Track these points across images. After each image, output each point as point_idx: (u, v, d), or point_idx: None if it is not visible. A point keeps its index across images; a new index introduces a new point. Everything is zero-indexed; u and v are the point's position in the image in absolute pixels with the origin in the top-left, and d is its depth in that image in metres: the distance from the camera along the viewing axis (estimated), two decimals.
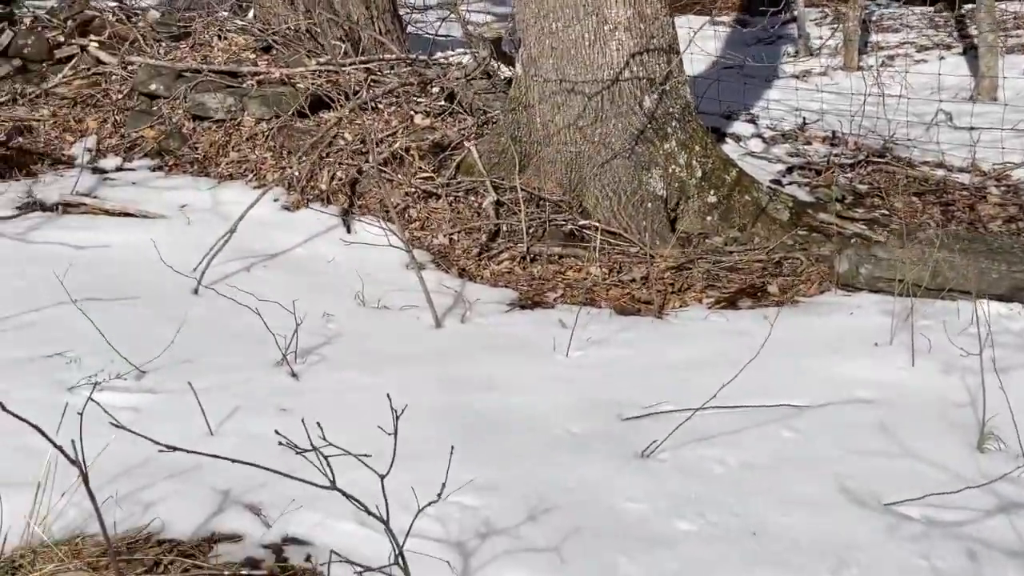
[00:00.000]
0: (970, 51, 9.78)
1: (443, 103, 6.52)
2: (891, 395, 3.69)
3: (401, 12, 8.72)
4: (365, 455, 2.14)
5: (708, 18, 7.98)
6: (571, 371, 4.01)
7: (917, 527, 2.90)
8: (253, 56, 7.21)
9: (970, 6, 9.40)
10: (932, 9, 11.46)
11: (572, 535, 2.87)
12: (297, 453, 2.07)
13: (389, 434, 2.18)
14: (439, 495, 2.34)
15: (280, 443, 2.13)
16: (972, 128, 7.25)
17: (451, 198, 5.70)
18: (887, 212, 5.87)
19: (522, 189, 5.53)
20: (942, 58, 9.82)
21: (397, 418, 2.14)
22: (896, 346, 4.01)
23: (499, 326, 4.52)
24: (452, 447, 2.68)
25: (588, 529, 2.90)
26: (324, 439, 2.07)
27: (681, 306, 4.79)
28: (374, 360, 4.03)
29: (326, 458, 2.12)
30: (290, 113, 6.18)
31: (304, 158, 5.81)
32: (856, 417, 3.55)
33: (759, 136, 7.22)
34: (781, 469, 3.23)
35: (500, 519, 2.93)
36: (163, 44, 7.37)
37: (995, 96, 8.45)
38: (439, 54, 8.22)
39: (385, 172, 5.80)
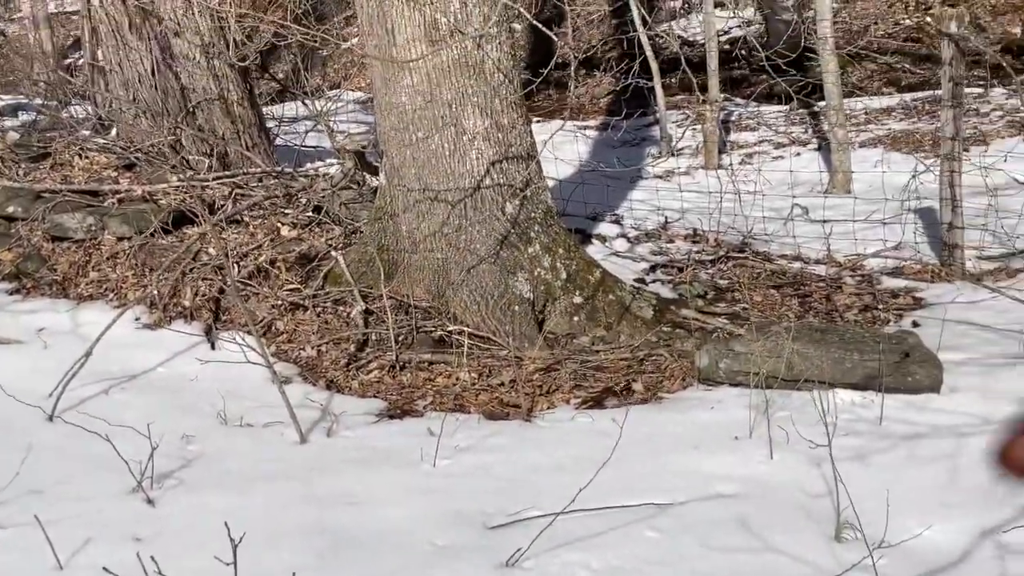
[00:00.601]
0: (824, 147, 10.23)
1: (310, 214, 6.53)
2: (751, 489, 3.75)
3: (269, 125, 8.75)
4: None
5: (567, 122, 8.18)
6: (438, 481, 3.98)
7: None
8: (115, 174, 7.14)
9: (823, 103, 9.85)
10: (787, 108, 11.98)
11: None
12: None
13: (228, 564, 2.12)
14: None
15: None
16: (826, 221, 7.54)
17: (319, 309, 5.68)
18: (747, 306, 6.04)
19: (390, 297, 5.54)
20: (797, 154, 10.25)
21: (235, 546, 2.09)
22: (755, 439, 4.09)
23: (366, 438, 4.47)
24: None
25: None
26: (159, 572, 2.01)
27: (549, 408, 4.82)
28: (235, 480, 3.94)
29: None
30: (152, 230, 6.11)
31: (165, 275, 5.73)
32: (717, 513, 3.59)
33: (623, 236, 7.39)
34: (644, 571, 3.24)
35: None
36: (22, 166, 7.25)
37: (848, 189, 8.83)
38: (309, 165, 8.26)
39: (250, 285, 5.75)
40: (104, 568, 2.08)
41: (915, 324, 5.60)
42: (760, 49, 10.45)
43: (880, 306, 6.09)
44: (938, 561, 3.17)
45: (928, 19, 13.33)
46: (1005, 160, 7.64)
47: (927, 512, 3.42)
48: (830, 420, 4.04)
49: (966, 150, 7.29)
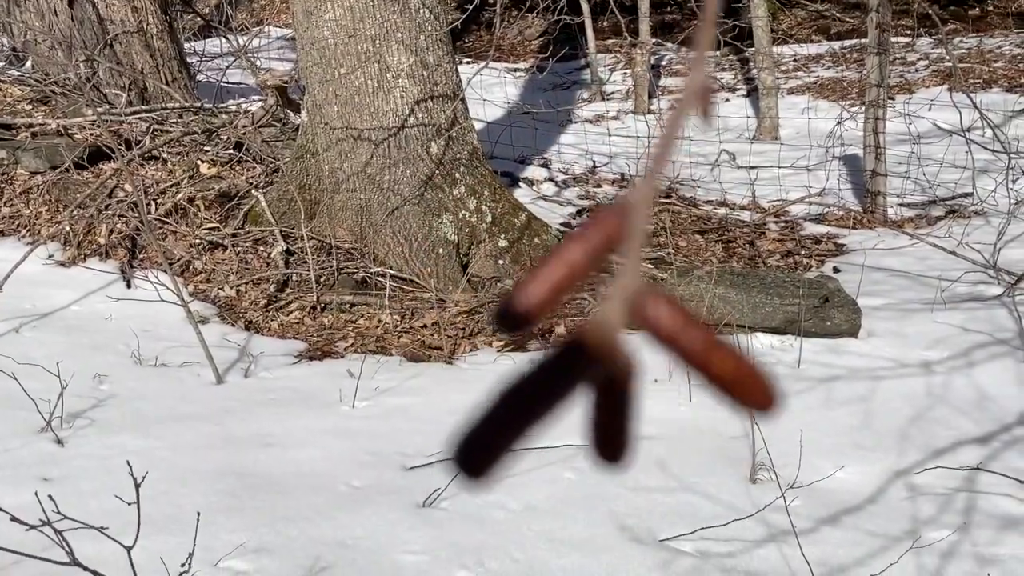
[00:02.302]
0: (753, 93, 10.25)
1: (231, 152, 6.38)
2: (669, 431, 3.77)
3: (190, 60, 8.52)
4: (104, 527, 2.02)
5: (493, 62, 8.07)
6: (356, 422, 3.94)
7: (690, 561, 2.94)
8: (29, 107, 6.91)
9: (752, 49, 9.86)
10: (718, 53, 11.97)
11: None
12: (27, 530, 1.93)
13: (131, 503, 2.06)
14: (185, 563, 2.22)
15: (40, 519, 1.99)
16: (752, 167, 7.57)
17: (238, 249, 5.57)
18: (672, 251, 6.04)
19: (312, 237, 5.45)
20: (727, 100, 10.26)
21: (138, 485, 2.03)
22: (674, 382, 4.10)
23: (284, 379, 4.41)
24: (204, 509, 2.55)
25: None
26: (58, 512, 1.94)
27: (471, 350, 4.79)
28: (149, 421, 3.86)
29: (60, 533, 1.99)
30: (66, 166, 5.92)
31: (80, 211, 5.57)
32: (636, 454, 3.59)
33: (551, 180, 7.35)
34: (562, 511, 3.24)
35: None
36: None
37: (775, 136, 8.86)
38: (230, 102, 8.06)
39: (168, 223, 5.62)
40: (1, 509, 2.01)
41: (836, 270, 5.65)
42: None
43: (802, 252, 6.14)
44: (851, 501, 3.21)
45: None
46: (929, 108, 7.72)
47: (841, 454, 3.46)
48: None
49: (891, 98, 7.35)
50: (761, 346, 4.43)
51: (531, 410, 0.41)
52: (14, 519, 2.00)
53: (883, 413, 3.75)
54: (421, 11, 5.33)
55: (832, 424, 3.70)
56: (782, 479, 3.38)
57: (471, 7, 5.76)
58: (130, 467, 2.12)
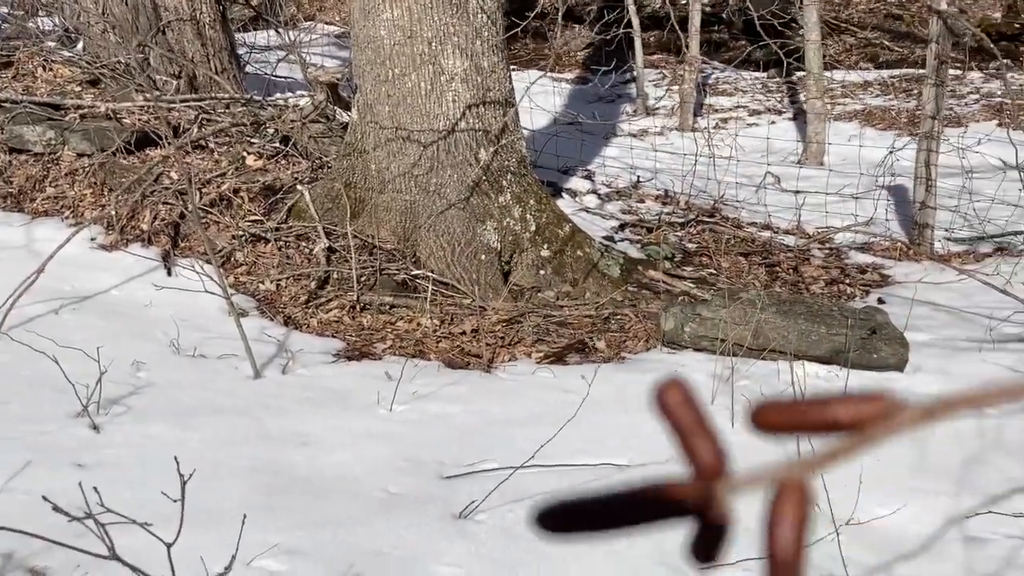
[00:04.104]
0: (799, 117, 10.17)
1: (277, 145, 6.36)
2: None
3: (240, 51, 8.53)
4: (147, 523, 1.98)
5: (545, 73, 8.03)
6: (394, 426, 3.90)
7: None
8: (79, 89, 6.92)
9: (801, 73, 9.78)
10: (765, 75, 11.89)
11: None
12: (69, 521, 1.90)
13: (175, 501, 2.02)
14: (228, 565, 2.18)
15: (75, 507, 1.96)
16: (798, 192, 7.49)
17: (280, 243, 5.54)
18: (714, 271, 5.98)
19: (355, 236, 5.42)
20: (773, 122, 10.19)
21: (184, 482, 1.99)
22: (717, 406, 4.04)
23: (322, 378, 4.38)
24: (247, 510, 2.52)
25: None
26: (101, 504, 1.91)
27: (510, 360, 4.74)
28: (184, 412, 3.83)
29: (102, 525, 1.95)
30: (113, 149, 5.92)
31: (125, 196, 5.56)
32: (675, 476, 3.53)
33: (594, 192, 7.30)
34: (601, 550, 3.17)
35: None
36: None
37: (821, 161, 8.78)
38: (278, 96, 8.06)
39: (211, 213, 5.60)
40: (43, 497, 1.98)
41: (881, 301, 5.57)
42: (744, 12, 10.33)
43: (847, 280, 6.06)
44: (903, 543, 3.14)
45: None
46: (980, 143, 7.61)
47: (894, 494, 3.39)
48: (796, 392, 3.99)
49: (942, 131, 7.25)
50: (806, 375, 4.35)
51: (616, 518, 0.46)
52: (56, 509, 1.97)
53: (933, 454, 3.68)
54: (479, 16, 5.30)
55: (884, 463, 3.62)
56: (830, 516, 3.31)
57: (531, 15, 5.70)
58: (177, 463, 2.08)
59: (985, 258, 6.42)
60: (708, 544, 0.47)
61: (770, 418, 0.47)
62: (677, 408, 0.48)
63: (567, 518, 0.46)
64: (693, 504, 0.46)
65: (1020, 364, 4.49)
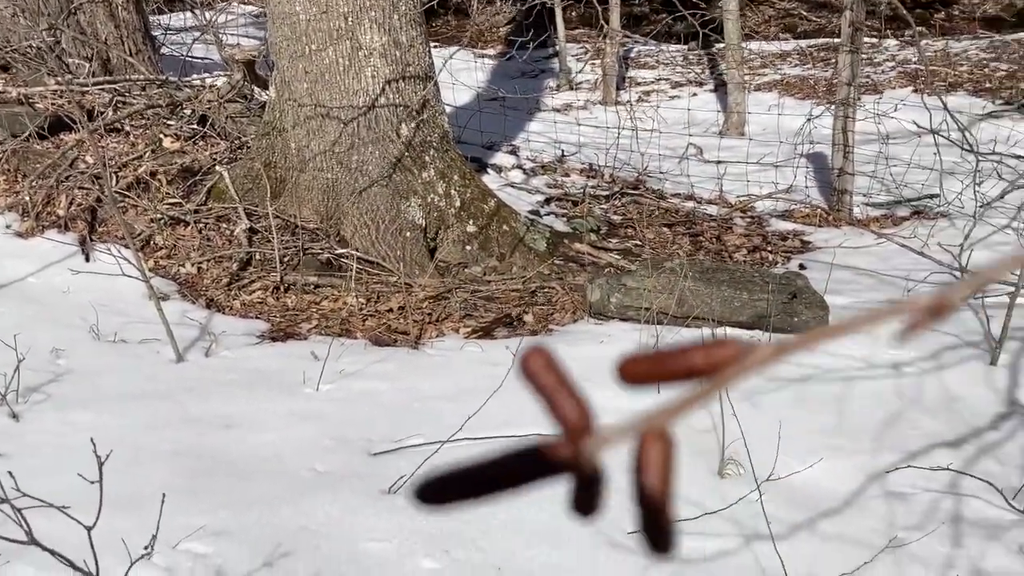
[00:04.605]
0: (720, 88, 10.25)
1: (195, 126, 6.26)
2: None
3: (155, 33, 8.35)
4: (65, 507, 1.94)
5: (466, 49, 7.99)
6: (320, 405, 3.86)
7: None
8: None
9: (721, 45, 9.85)
10: (686, 47, 11.96)
11: None
12: None
13: (93, 482, 1.98)
14: (149, 546, 2.14)
15: None
16: (720, 162, 7.56)
17: (200, 225, 5.46)
18: (640, 243, 6.01)
19: (276, 216, 5.35)
20: (694, 94, 10.26)
21: (101, 464, 1.95)
22: None
23: (246, 360, 4.32)
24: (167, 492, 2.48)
25: (328, 573, 2.76)
26: (17, 489, 1.87)
27: (438, 336, 4.73)
28: (105, 398, 3.76)
29: (19, 511, 1.91)
30: (27, 135, 5.77)
31: (39, 182, 5.43)
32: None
33: (519, 167, 7.29)
34: (529, 502, 3.19)
35: (234, 567, 2.75)
36: None
37: (742, 131, 8.86)
38: (194, 76, 7.92)
39: (129, 197, 5.49)
40: None
41: (802, 267, 5.65)
42: None
43: (769, 247, 6.14)
44: (825, 500, 3.20)
45: None
46: (896, 109, 7.73)
47: (813, 452, 3.44)
48: None
49: (859, 98, 7.35)
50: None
51: (494, 484, 0.47)
52: None
53: (854, 412, 3.74)
54: None
55: (803, 422, 3.68)
56: (750, 474, 3.36)
57: None
58: (94, 444, 2.04)
59: (902, 222, 6.54)
60: (586, 498, 0.48)
61: (635, 370, 0.48)
62: (541, 372, 0.48)
63: (447, 489, 0.47)
64: (565, 462, 0.47)
65: (936, 324, 4.58)
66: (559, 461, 0.47)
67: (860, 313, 0.49)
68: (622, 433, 0.47)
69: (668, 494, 0.47)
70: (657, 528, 0.48)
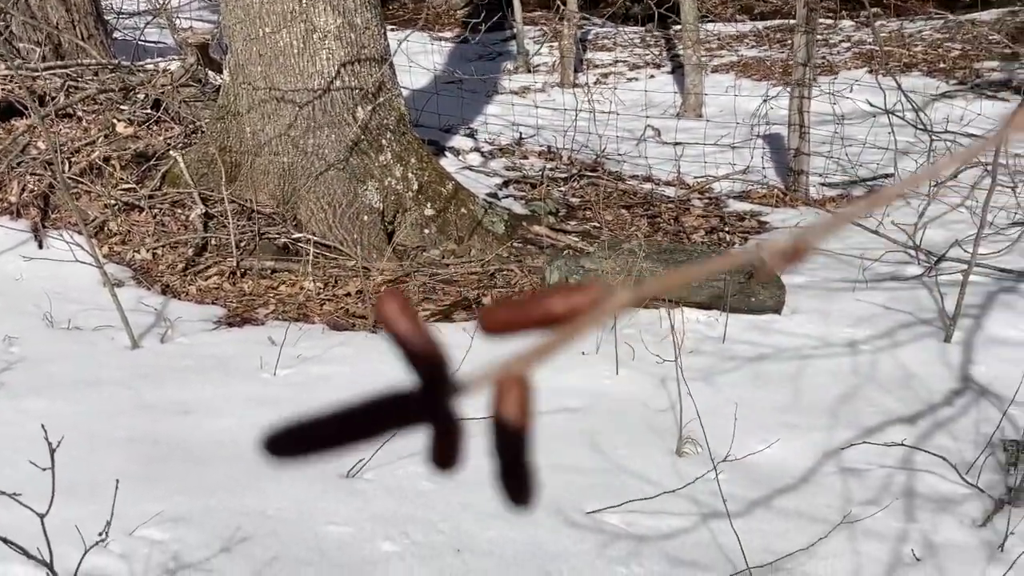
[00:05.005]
0: (677, 70, 10.27)
1: (148, 111, 6.19)
2: (597, 403, 3.74)
3: (107, 16, 8.25)
4: (16, 494, 1.92)
5: (421, 31, 7.96)
6: (278, 390, 3.85)
7: (618, 534, 2.92)
8: None
9: (678, 27, 9.86)
10: (643, 29, 11.98)
11: (269, 565, 2.71)
12: None
13: (45, 469, 1.96)
14: (104, 532, 2.12)
15: None
16: (677, 143, 7.58)
17: (155, 211, 5.40)
18: (598, 224, 6.02)
19: (232, 201, 5.31)
20: (652, 76, 10.27)
21: (53, 450, 1.93)
22: (602, 355, 4.08)
23: (203, 345, 4.29)
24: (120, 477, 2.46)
25: (287, 557, 2.75)
26: None
27: None
28: (60, 385, 3.72)
29: None
30: None
31: None
32: (564, 426, 3.57)
33: (477, 150, 7.28)
34: (487, 483, 3.18)
35: (191, 553, 2.74)
36: None
37: (699, 113, 8.89)
38: (148, 61, 7.83)
39: (82, 183, 5.43)
40: None
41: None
42: None
43: (726, 228, 6.17)
44: (782, 477, 3.22)
45: None
46: (851, 89, 7.79)
47: (769, 430, 3.47)
48: (675, 340, 4.05)
49: (815, 79, 7.40)
50: (688, 321, 4.42)
51: (347, 434, 0.46)
52: None
53: (810, 390, 3.78)
54: None
55: (760, 400, 3.71)
56: (708, 454, 3.38)
57: None
58: (45, 431, 2.02)
59: (858, 201, 6.59)
60: (444, 449, 0.47)
61: (497, 319, 0.48)
62: (396, 318, 0.47)
63: (298, 440, 0.46)
64: (421, 412, 0.46)
65: (892, 301, 4.63)
66: (414, 411, 0.46)
67: (712, 260, 0.49)
68: (479, 380, 0.46)
69: (525, 442, 0.47)
70: (515, 478, 0.47)
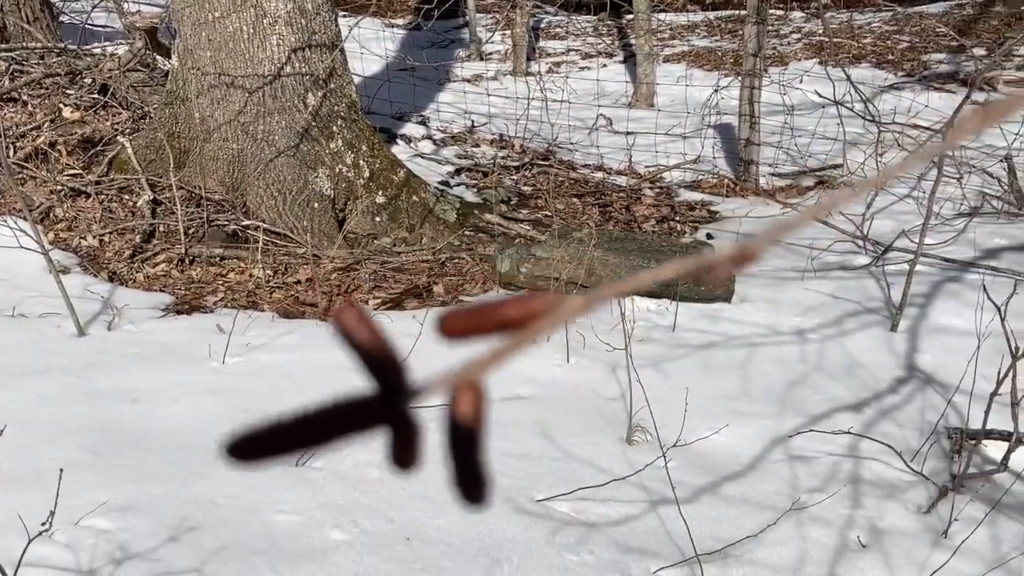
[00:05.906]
0: (630, 59, 10.30)
1: (95, 96, 6.10)
2: (547, 392, 3.75)
3: (54, 0, 8.12)
4: None
5: (373, 17, 7.92)
6: (227, 379, 3.81)
7: (568, 521, 2.94)
8: None
9: (630, 16, 9.88)
10: (596, 18, 11.99)
11: (218, 554, 2.69)
12: None
13: None
14: (47, 522, 2.10)
15: None
16: (629, 133, 7.60)
17: (102, 197, 5.33)
18: (550, 213, 6.03)
19: (180, 187, 5.25)
20: (604, 65, 10.29)
21: None
22: (553, 343, 4.09)
23: (151, 333, 4.24)
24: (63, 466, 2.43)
25: (236, 546, 2.74)
26: None
27: None
28: (5, 373, 3.66)
29: None
30: None
31: None
32: (514, 415, 3.57)
33: (429, 138, 7.26)
34: (437, 471, 3.18)
35: (138, 542, 2.71)
36: None
37: (651, 102, 8.92)
38: (95, 45, 7.71)
39: (27, 168, 5.34)
40: None
41: (709, 236, 5.72)
42: None
43: (677, 217, 6.20)
44: (730, 464, 3.25)
45: None
46: (801, 80, 7.86)
47: (718, 417, 3.50)
48: (625, 327, 4.07)
49: (765, 69, 7.45)
50: (639, 310, 4.45)
51: (307, 439, 0.47)
52: None
53: (759, 378, 3.81)
54: None
55: (708, 388, 3.74)
56: (658, 441, 3.40)
57: None
58: None
59: (807, 191, 6.66)
60: (402, 451, 0.48)
61: (454, 325, 0.49)
62: (354, 328, 0.48)
63: (259, 445, 0.46)
64: (380, 416, 0.47)
65: (840, 291, 4.68)
66: (374, 415, 0.47)
67: (663, 267, 0.50)
68: (435, 386, 0.48)
69: (479, 444, 0.48)
70: (470, 479, 0.48)
